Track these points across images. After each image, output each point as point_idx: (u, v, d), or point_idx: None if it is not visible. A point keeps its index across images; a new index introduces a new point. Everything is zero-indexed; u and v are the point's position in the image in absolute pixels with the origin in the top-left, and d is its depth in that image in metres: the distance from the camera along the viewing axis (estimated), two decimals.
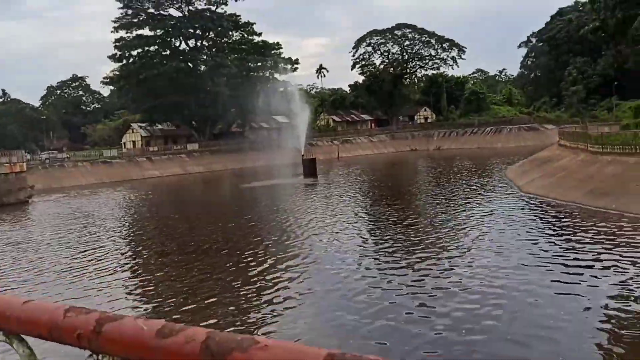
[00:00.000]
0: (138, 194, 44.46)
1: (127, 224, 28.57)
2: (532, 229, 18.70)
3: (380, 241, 18.30)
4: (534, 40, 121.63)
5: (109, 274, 16.15)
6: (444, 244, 17.11)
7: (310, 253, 17.13)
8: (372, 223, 22.53)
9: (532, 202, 24.66)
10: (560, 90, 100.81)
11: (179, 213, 31.04)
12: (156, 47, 79.43)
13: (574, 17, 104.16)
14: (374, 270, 14.48)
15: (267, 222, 24.43)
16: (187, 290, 13.77)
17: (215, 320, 11.32)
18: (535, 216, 21.30)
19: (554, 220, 20.01)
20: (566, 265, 13.62)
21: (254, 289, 13.55)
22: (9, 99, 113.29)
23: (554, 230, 18.21)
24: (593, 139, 28.98)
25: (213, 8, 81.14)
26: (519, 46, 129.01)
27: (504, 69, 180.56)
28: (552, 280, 12.59)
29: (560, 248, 15.59)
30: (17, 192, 42.94)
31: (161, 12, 78.82)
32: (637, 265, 13.22)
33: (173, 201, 38.61)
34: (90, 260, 18.28)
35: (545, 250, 15.38)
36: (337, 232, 20.42)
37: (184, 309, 12.35)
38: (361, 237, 19.46)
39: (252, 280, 14.46)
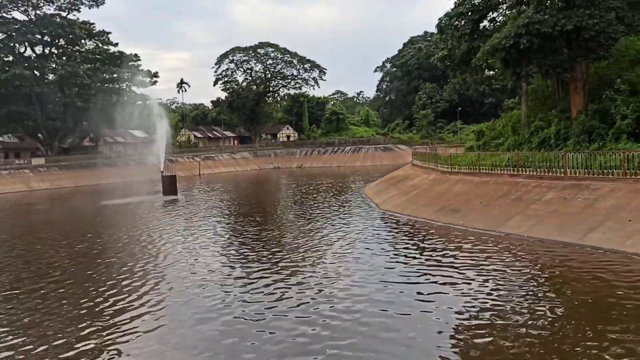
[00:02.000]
0: None
1: None
2: (387, 244, 19.40)
3: (243, 259, 17.80)
4: (388, 65, 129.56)
5: None
6: (307, 261, 17.06)
7: (165, 274, 16.17)
8: (234, 241, 21.94)
9: (388, 219, 25.69)
10: (412, 113, 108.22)
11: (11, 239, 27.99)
12: None
13: (423, 46, 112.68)
14: (237, 287, 13.99)
15: (117, 244, 22.75)
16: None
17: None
18: (391, 232, 22.16)
19: (408, 236, 20.92)
20: (415, 277, 14.24)
21: (107, 320, 12.39)
22: None
23: (407, 245, 19.01)
24: (442, 160, 31.10)
25: (64, 14, 75.57)
26: (375, 70, 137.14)
27: (361, 92, 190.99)
28: (401, 292, 13.15)
29: (413, 261, 16.26)
30: None
31: (3, 14, 71.59)
32: (478, 277, 14.16)
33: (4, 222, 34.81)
34: None
35: (398, 262, 15.97)
36: (196, 251, 19.60)
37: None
38: (222, 255, 18.82)
39: (101, 312, 13.24)
